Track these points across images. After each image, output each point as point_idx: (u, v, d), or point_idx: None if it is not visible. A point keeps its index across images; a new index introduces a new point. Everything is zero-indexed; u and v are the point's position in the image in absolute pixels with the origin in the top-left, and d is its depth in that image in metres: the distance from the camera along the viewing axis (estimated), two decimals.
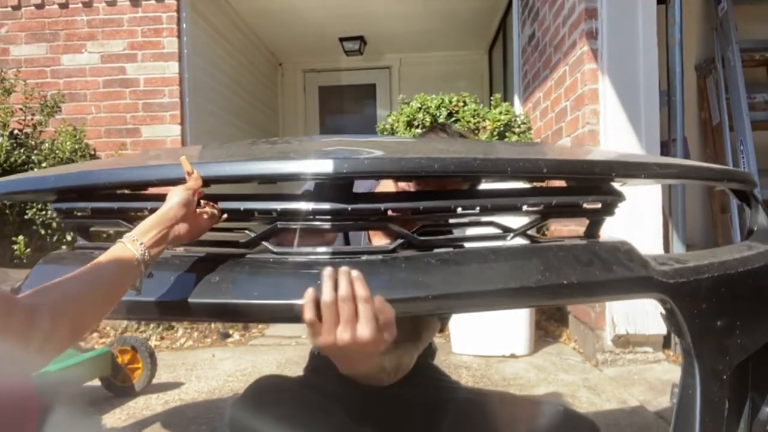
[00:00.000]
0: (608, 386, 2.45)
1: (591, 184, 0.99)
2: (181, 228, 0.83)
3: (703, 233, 3.82)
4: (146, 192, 0.94)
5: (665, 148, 3.03)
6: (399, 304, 0.80)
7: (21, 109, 3.58)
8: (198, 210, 0.86)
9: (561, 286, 0.90)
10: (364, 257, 0.87)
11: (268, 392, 1.10)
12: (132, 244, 0.77)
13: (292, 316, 0.80)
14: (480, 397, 1.27)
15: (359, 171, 0.86)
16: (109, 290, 0.75)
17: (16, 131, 3.54)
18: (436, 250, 0.91)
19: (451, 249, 0.92)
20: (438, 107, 3.30)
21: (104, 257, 0.76)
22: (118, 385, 2.40)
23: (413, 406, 1.22)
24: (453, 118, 3.31)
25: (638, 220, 2.73)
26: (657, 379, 2.51)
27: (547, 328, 3.47)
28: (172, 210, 0.82)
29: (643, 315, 2.71)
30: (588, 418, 1.16)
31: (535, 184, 1.08)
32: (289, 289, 0.81)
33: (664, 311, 1.01)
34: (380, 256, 0.87)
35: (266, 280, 0.84)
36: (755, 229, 1.19)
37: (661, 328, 2.72)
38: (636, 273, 0.95)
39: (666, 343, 2.82)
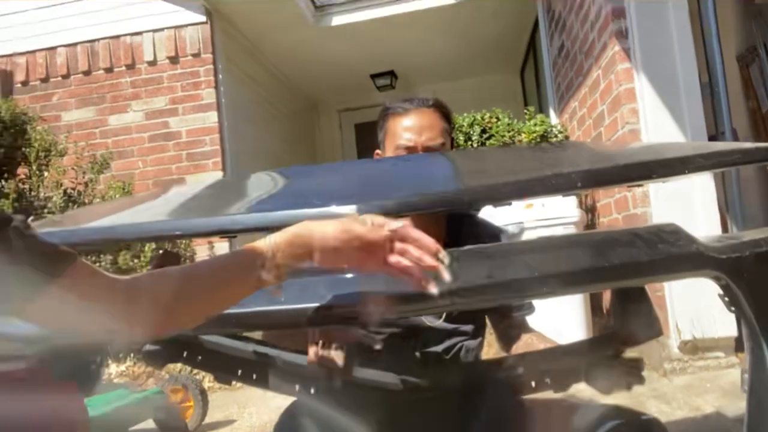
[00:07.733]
0: (679, 394, 2.29)
1: None
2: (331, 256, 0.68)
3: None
4: None
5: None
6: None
7: (73, 169, 3.76)
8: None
9: (602, 269, 0.86)
10: None
11: (300, 418, 1.07)
12: (268, 245, 0.65)
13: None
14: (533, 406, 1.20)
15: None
16: (218, 289, 0.67)
17: (69, 189, 3.71)
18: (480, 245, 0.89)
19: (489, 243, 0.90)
20: (471, 125, 3.28)
21: (225, 255, 0.71)
22: (171, 425, 2.40)
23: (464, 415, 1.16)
24: (487, 135, 3.27)
25: (693, 216, 2.59)
26: (732, 384, 2.32)
27: None
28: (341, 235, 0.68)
29: (709, 318, 2.54)
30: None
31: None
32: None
33: (721, 291, 0.95)
34: None
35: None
36: None
37: (731, 329, 2.51)
38: (683, 249, 0.90)
39: (739, 345, 2.62)
